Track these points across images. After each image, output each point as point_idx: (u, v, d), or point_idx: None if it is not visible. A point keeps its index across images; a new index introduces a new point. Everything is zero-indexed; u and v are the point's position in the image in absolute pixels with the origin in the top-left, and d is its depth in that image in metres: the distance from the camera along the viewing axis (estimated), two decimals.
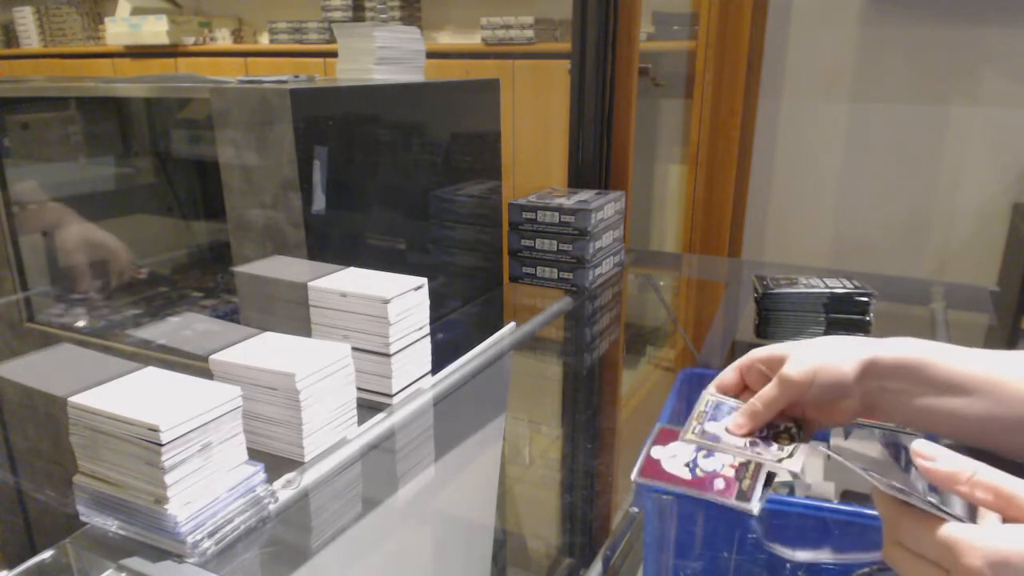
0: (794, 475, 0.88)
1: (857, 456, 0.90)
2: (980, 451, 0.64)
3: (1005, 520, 0.44)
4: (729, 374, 0.71)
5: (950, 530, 0.43)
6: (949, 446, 0.47)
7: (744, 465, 0.65)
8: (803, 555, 0.78)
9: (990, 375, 0.62)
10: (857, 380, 0.63)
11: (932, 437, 0.83)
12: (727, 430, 0.67)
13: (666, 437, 0.71)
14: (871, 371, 0.64)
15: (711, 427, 0.67)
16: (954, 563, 0.42)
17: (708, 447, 0.66)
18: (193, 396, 0.62)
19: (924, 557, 0.44)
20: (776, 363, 0.66)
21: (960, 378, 0.62)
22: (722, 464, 0.66)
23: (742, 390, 0.71)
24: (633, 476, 0.67)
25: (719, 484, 0.64)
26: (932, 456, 0.46)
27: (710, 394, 0.71)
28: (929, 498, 0.45)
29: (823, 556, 0.77)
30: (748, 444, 0.65)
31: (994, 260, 2.01)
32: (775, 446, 0.65)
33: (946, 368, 0.63)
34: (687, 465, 0.67)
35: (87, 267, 1.48)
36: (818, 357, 0.63)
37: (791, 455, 0.63)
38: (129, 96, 1.62)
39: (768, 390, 0.65)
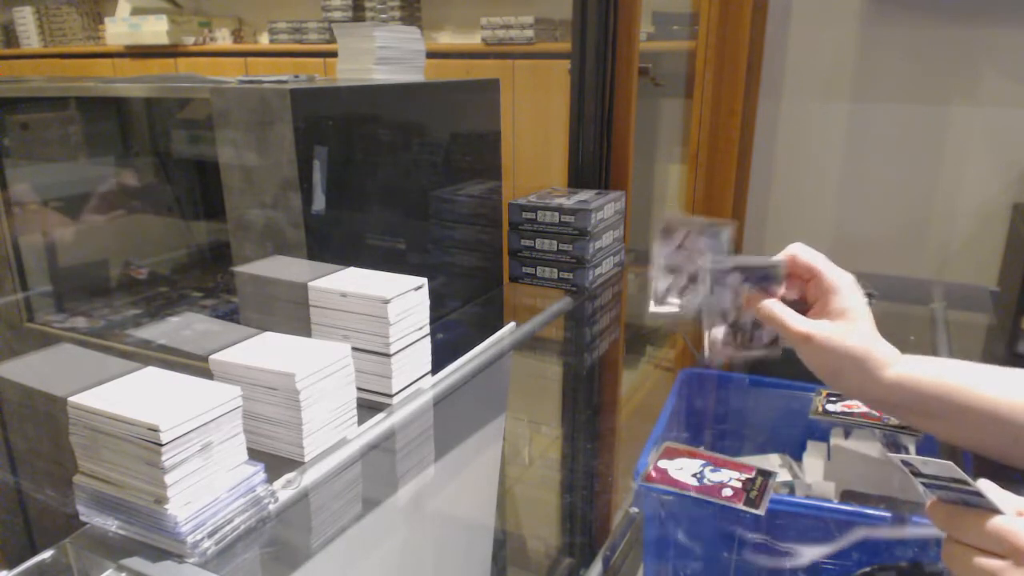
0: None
1: (859, 456, 0.90)
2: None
3: None
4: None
5: (1005, 521, 0.48)
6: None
7: (751, 479, 0.65)
8: (803, 555, 0.78)
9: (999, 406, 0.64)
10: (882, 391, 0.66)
11: (930, 440, 0.83)
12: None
13: (672, 453, 0.72)
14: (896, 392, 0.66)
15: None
16: (1014, 548, 0.47)
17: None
18: (193, 396, 0.62)
19: (982, 549, 0.49)
20: (827, 292, 0.68)
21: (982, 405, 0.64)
22: (729, 477, 0.66)
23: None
24: (638, 481, 0.67)
25: (726, 493, 0.65)
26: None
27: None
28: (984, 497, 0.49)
29: (823, 556, 0.77)
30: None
31: (994, 260, 2.01)
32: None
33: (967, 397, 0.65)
34: (695, 476, 0.68)
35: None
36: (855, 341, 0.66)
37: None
38: (129, 96, 1.62)
39: (787, 322, 0.67)
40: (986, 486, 0.50)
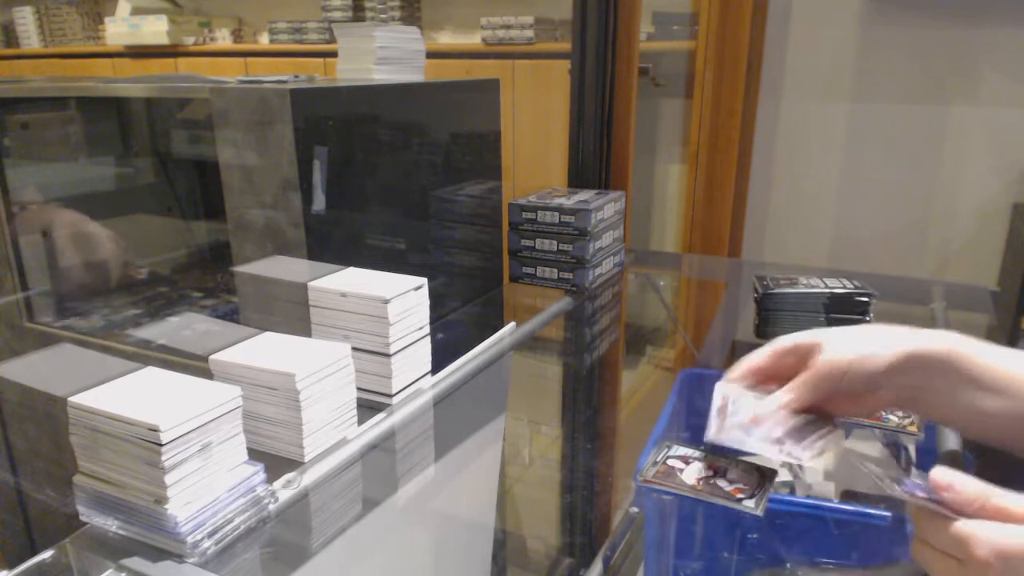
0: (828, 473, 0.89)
1: (858, 456, 0.90)
2: (1006, 453, 0.64)
3: None
4: (761, 357, 0.69)
5: (964, 525, 0.47)
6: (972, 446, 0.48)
7: (751, 479, 0.66)
8: (803, 555, 0.78)
9: (1020, 374, 0.62)
10: (894, 373, 0.62)
11: (931, 435, 0.83)
12: (752, 420, 0.65)
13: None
14: (908, 365, 0.62)
15: (736, 425, 0.65)
16: (967, 554, 0.46)
17: (737, 444, 0.64)
18: (193, 396, 0.62)
19: (944, 552, 0.48)
20: (811, 351, 0.65)
21: (994, 375, 0.62)
22: (729, 477, 0.66)
23: (767, 377, 0.69)
24: (638, 481, 0.67)
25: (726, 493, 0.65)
26: (947, 486, 0.49)
27: (729, 388, 0.68)
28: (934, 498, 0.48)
29: (823, 556, 0.77)
30: (777, 444, 0.64)
31: (994, 260, 2.01)
32: (806, 441, 0.64)
33: (982, 364, 0.62)
34: (700, 480, 0.68)
35: (83, 264, 1.48)
36: (856, 348, 0.63)
37: (822, 453, 0.63)
38: (129, 96, 1.62)
39: (801, 380, 0.64)
40: (940, 474, 0.49)
